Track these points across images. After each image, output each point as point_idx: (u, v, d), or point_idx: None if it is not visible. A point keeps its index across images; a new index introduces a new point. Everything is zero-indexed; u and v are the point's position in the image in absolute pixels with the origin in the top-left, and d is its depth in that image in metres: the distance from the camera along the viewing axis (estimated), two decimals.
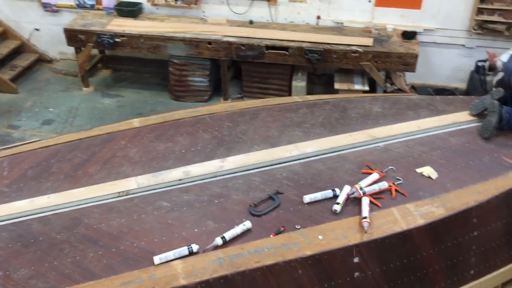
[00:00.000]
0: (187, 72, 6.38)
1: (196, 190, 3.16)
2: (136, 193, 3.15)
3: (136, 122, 3.91)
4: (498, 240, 3.26)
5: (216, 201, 3.06)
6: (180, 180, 3.25)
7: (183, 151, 3.55)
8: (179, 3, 6.54)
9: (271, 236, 2.79)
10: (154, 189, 3.18)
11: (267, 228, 2.85)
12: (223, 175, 3.32)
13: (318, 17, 6.51)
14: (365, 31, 6.26)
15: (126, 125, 3.87)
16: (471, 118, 3.98)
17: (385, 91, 6.07)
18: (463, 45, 6.40)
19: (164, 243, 2.74)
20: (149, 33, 6.14)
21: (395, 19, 6.35)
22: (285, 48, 5.94)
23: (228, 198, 3.08)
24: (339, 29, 6.40)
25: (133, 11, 6.56)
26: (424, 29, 6.32)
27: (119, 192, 3.14)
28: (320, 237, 2.79)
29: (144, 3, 6.73)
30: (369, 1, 6.31)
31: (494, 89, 4.04)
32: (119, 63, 7.22)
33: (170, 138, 3.69)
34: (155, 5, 6.70)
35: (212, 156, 3.49)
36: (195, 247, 2.66)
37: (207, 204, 3.03)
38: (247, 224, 2.82)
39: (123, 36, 6.16)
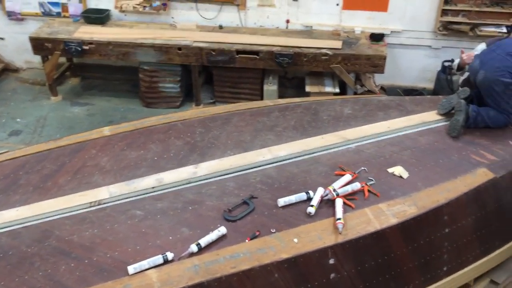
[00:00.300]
0: (158, 79, 6.33)
1: (169, 198, 3.13)
2: (108, 202, 3.10)
3: (106, 131, 3.86)
4: (469, 236, 3.33)
5: (190, 207, 3.03)
6: (153, 187, 3.21)
7: (155, 158, 3.51)
8: (147, 9, 6.49)
9: (247, 241, 2.78)
10: (126, 198, 3.14)
11: (243, 233, 2.84)
12: (196, 181, 3.29)
13: (288, 21, 6.55)
14: (334, 34, 6.34)
15: (97, 134, 3.81)
16: (439, 117, 4.06)
17: (355, 93, 6.15)
18: (429, 46, 6.55)
19: (138, 252, 2.70)
20: (118, 40, 6.06)
21: (362, 22, 6.44)
22: (256, 53, 5.96)
23: (202, 205, 3.06)
24: (308, 32, 6.46)
25: (101, 18, 6.48)
26: (391, 31, 6.44)
27: (90, 202, 3.09)
28: (296, 240, 2.79)
29: (112, 10, 6.65)
30: (337, 4, 6.39)
31: (460, 88, 4.14)
32: (88, 71, 7.11)
33: (141, 146, 3.65)
34: (123, 11, 6.63)
35: (185, 162, 3.47)
36: (170, 255, 2.63)
37: (181, 211, 3.00)
38: (222, 230, 2.80)
39: (91, 43, 6.07)
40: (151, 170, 3.38)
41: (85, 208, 3.06)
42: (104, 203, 3.09)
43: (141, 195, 3.16)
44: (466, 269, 3.39)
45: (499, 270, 3.83)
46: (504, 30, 6.12)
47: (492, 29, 6.16)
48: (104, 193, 3.16)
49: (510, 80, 3.76)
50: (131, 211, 3.02)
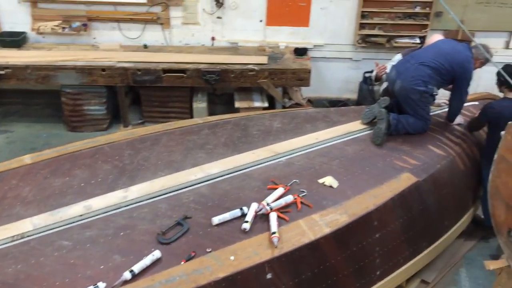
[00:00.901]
0: (82, 101, 6.12)
1: (99, 225, 3.01)
2: (32, 235, 2.92)
3: (27, 159, 3.66)
4: (398, 239, 3.47)
5: (121, 233, 2.93)
6: (81, 215, 3.07)
7: (82, 184, 3.37)
8: (67, 30, 6.26)
9: (182, 263, 2.72)
10: (52, 229, 2.97)
11: (178, 255, 2.78)
12: (127, 205, 3.19)
13: (213, 38, 6.59)
14: (259, 50, 6.45)
15: (17, 163, 3.62)
16: (363, 126, 4.22)
17: (283, 106, 6.27)
18: (350, 58, 6.82)
19: (67, 285, 2.56)
20: (37, 63, 5.81)
21: (286, 37, 6.61)
22: (183, 71, 5.92)
23: (134, 229, 2.96)
24: (234, 49, 6.52)
25: (17, 41, 6.18)
26: (314, 45, 6.65)
27: (13, 236, 2.90)
28: (232, 257, 2.77)
29: (28, 32, 6.37)
30: (261, 21, 6.51)
31: (381, 98, 4.33)
32: (6, 97, 6.72)
33: (67, 173, 3.49)
34: (41, 33, 6.36)
35: (114, 186, 3.35)
36: (101, 286, 2.52)
37: (112, 237, 2.89)
38: (156, 253, 2.73)
39: (7, 68, 5.76)
40: (78, 197, 3.24)
41: (7, 243, 2.86)
42: (28, 236, 2.91)
43: (68, 224, 3.01)
44: (398, 271, 3.51)
45: (429, 270, 4.02)
46: (418, 40, 6.51)
47: (407, 40, 6.53)
48: (28, 225, 2.98)
49: (424, 88, 3.99)
50: (58, 242, 2.86)
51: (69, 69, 5.80)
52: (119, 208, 3.16)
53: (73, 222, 3.03)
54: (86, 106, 6.14)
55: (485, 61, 4.21)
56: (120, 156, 3.71)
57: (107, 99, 6.19)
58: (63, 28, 6.25)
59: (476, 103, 4.94)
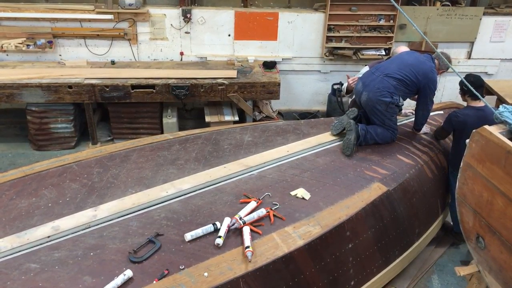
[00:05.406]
0: (48, 119, 5.99)
1: (68, 245, 2.93)
2: None
3: None
4: (370, 249, 3.50)
5: (91, 253, 2.86)
6: (48, 237, 2.99)
7: (49, 205, 3.29)
8: (31, 48, 6.14)
9: (155, 282, 2.67)
10: (19, 251, 2.88)
11: (150, 273, 2.73)
12: (97, 224, 3.12)
13: (182, 53, 6.58)
14: (228, 64, 6.47)
15: None
16: (333, 138, 4.26)
17: (254, 120, 6.29)
18: (318, 71, 6.91)
19: None
20: (0, 82, 5.67)
21: (254, 51, 6.66)
22: (151, 86, 5.88)
23: (104, 249, 2.90)
24: (203, 63, 6.53)
25: None
26: (283, 59, 6.71)
27: None
28: (206, 274, 2.74)
29: None
30: (229, 35, 6.54)
31: (349, 109, 4.39)
32: None
33: (33, 193, 3.40)
34: (4, 51, 6.22)
35: (83, 206, 3.28)
36: None
37: (81, 258, 2.82)
38: (128, 273, 2.67)
39: None
40: (45, 218, 3.15)
41: None
42: None
43: (35, 246, 2.92)
44: (371, 281, 3.53)
45: (401, 278, 4.06)
46: (383, 52, 6.65)
47: (373, 52, 6.67)
48: None
49: (390, 99, 4.07)
50: (25, 265, 2.77)
51: (34, 87, 5.69)
52: (88, 228, 3.09)
53: (41, 244, 2.94)
54: (53, 124, 6.02)
55: (446, 70, 4.34)
56: (88, 174, 3.63)
57: (75, 117, 6.09)
58: (28, 45, 6.13)
59: (441, 112, 5.06)
